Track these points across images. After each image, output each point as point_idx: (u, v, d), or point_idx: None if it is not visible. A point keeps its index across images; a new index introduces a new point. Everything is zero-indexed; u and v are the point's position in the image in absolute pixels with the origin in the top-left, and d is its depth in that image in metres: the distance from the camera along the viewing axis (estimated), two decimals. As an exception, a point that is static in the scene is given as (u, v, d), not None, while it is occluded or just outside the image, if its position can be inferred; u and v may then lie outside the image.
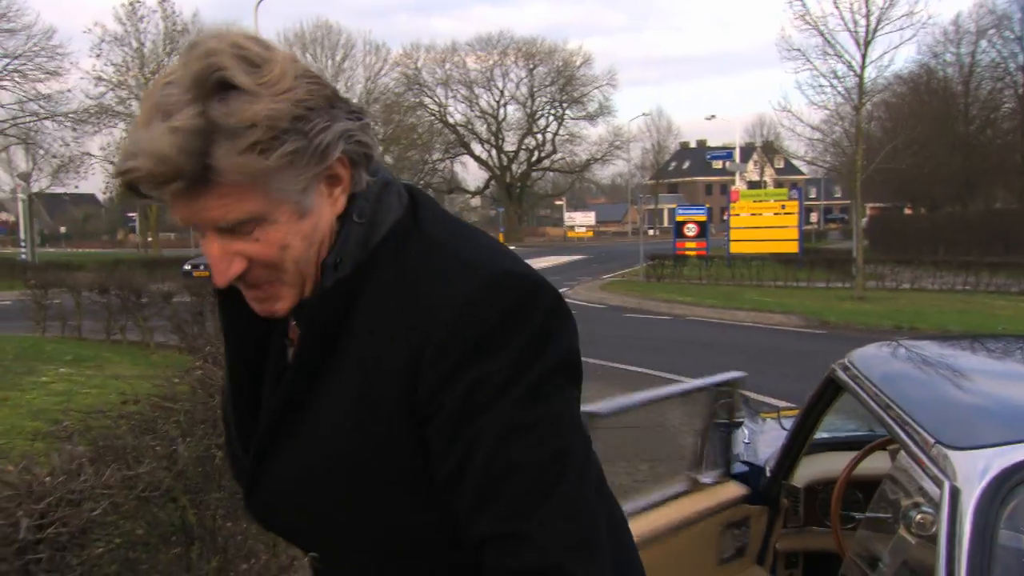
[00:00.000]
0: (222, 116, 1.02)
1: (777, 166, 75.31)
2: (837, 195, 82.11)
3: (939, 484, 1.73)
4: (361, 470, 1.19)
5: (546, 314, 1.15)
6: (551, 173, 68.04)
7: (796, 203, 30.49)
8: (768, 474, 3.05)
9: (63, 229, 68.11)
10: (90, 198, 74.36)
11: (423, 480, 1.16)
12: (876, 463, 2.46)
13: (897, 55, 76.06)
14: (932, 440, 1.88)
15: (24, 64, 38.25)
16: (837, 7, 24.71)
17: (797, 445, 2.96)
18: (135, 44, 43.38)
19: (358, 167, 1.17)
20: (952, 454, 1.78)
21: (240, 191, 1.07)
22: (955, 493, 1.67)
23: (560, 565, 1.07)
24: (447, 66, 62.19)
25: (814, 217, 72.18)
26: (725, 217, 34.79)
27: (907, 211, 48.08)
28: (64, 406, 6.60)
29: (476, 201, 76.89)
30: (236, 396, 1.34)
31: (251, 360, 1.32)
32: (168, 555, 3.45)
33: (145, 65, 43.43)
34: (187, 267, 27.08)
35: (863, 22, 24.10)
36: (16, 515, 2.40)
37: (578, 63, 62.38)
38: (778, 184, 55.30)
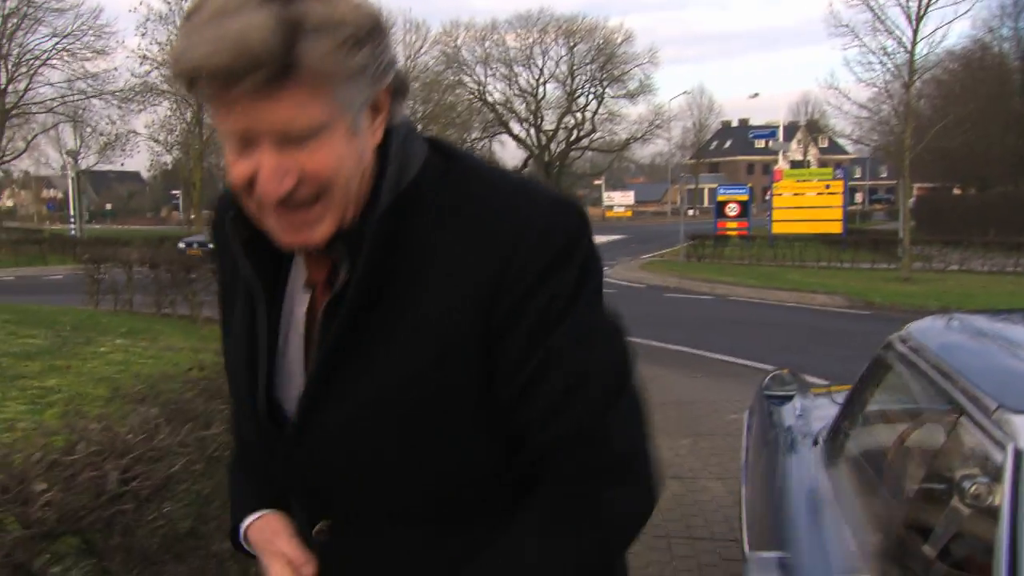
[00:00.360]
0: (311, 10, 1.02)
1: (821, 145, 74.73)
2: (883, 175, 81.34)
3: (1003, 447, 1.79)
4: (429, 403, 1.21)
5: (591, 234, 1.21)
6: (590, 152, 67.94)
7: (841, 183, 30.26)
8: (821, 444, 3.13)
9: (108, 206, 69.48)
10: (135, 176, 75.71)
11: (475, 410, 1.21)
12: (928, 436, 2.51)
13: (950, 30, 75.01)
14: (995, 405, 1.93)
15: (72, 43, 39.26)
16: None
17: (851, 416, 3.03)
18: (179, 22, 43.90)
19: (397, 100, 1.20)
20: (1016, 417, 1.84)
21: (310, 94, 1.06)
22: (1019, 454, 1.73)
23: (631, 456, 1.19)
24: (486, 44, 62.26)
25: (859, 197, 71.58)
26: (767, 197, 34.59)
27: (956, 191, 47.50)
28: (126, 373, 6.84)
29: (515, 180, 76.88)
30: (250, 351, 1.31)
31: (271, 311, 1.30)
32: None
33: (189, 40, 44.14)
34: (181, 245, 27.46)
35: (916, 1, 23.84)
36: (105, 468, 2.56)
37: (619, 41, 62.09)
38: (822, 164, 54.95)
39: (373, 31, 1.09)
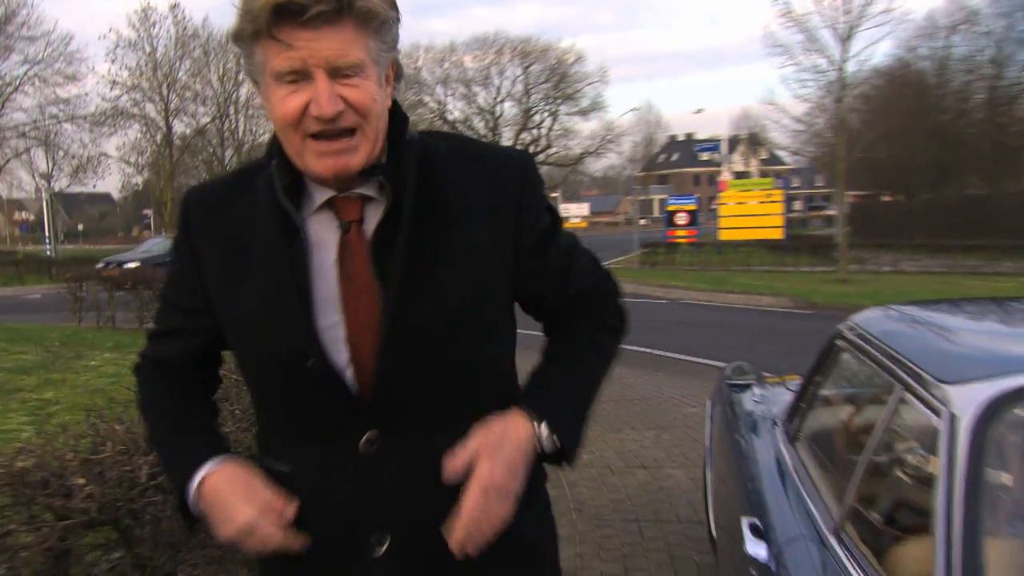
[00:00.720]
0: None
1: (762, 157, 75.48)
2: (819, 184, 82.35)
3: (939, 414, 1.91)
4: (492, 298, 1.47)
5: None
6: (546, 167, 67.80)
7: (781, 192, 30.61)
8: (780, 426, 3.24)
9: (80, 226, 68.56)
10: (105, 197, 74.61)
11: (506, 309, 1.52)
12: (875, 409, 2.60)
13: (875, 50, 76.41)
14: (933, 379, 2.05)
15: (44, 69, 38.69)
16: (819, 5, 24.97)
17: (806, 400, 3.14)
18: (148, 48, 43.09)
19: (398, 79, 1.44)
20: (950, 388, 1.95)
21: (356, 36, 1.27)
22: (953, 419, 1.84)
23: (615, 291, 1.70)
24: (445, 65, 62.12)
25: (798, 205, 72.35)
26: (713, 206, 34.87)
27: (886, 198, 48.28)
28: (119, 384, 6.83)
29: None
30: (298, 290, 1.38)
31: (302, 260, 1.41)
32: None
33: (158, 68, 43.32)
34: (100, 265, 26.50)
35: (843, 19, 24.24)
36: (138, 463, 2.63)
37: (571, 61, 62.15)
38: (763, 174, 55.52)
39: (393, 11, 1.34)
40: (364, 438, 1.40)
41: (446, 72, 62.23)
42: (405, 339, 1.37)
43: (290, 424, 1.48)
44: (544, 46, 62.68)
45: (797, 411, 3.16)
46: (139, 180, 49.63)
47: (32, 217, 60.36)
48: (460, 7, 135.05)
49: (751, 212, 29.82)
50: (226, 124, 47.16)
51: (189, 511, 1.47)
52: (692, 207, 32.57)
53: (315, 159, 1.31)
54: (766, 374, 4.52)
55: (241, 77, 46.89)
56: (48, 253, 38.28)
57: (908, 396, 2.18)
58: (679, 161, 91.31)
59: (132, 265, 25.37)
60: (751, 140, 71.11)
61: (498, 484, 1.38)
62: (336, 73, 1.27)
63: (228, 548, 3.44)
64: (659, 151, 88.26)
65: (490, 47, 62.30)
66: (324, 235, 1.40)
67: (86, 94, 42.35)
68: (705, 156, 64.11)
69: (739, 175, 56.72)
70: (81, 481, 2.47)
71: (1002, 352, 2.37)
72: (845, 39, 24.42)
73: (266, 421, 1.56)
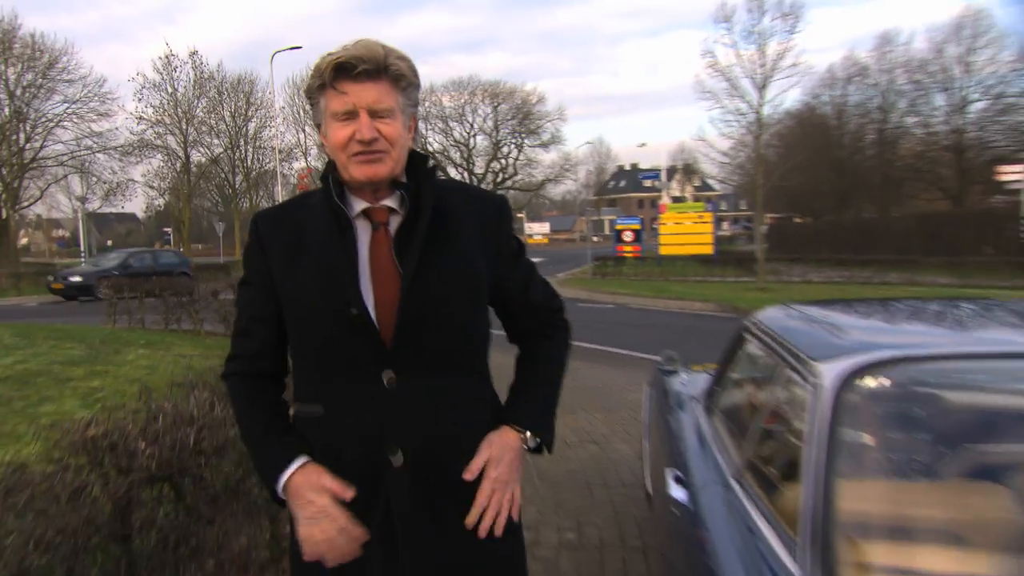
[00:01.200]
0: (396, 52, 1.57)
1: (695, 184, 75.73)
2: (743, 207, 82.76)
3: (809, 385, 2.03)
4: (477, 286, 1.66)
5: None
6: (513, 191, 67.76)
7: (711, 214, 30.54)
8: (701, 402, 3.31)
9: (109, 242, 67.19)
10: (131, 216, 73.17)
11: (485, 296, 1.70)
12: (769, 382, 2.66)
13: (786, 96, 77.40)
14: (807, 358, 2.16)
15: (80, 107, 38.35)
16: (739, 58, 25.33)
17: (719, 382, 3.23)
18: (170, 89, 42.67)
19: (416, 130, 1.70)
20: (818, 364, 2.05)
21: (390, 90, 1.55)
22: (817, 388, 1.96)
23: (560, 304, 1.90)
24: (426, 104, 61.70)
25: (725, 226, 72.85)
26: (655, 226, 34.89)
27: (797, 220, 48.59)
28: (154, 375, 6.88)
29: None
30: (349, 267, 1.58)
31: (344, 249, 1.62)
32: None
33: (179, 106, 43.00)
34: (49, 278, 26.54)
35: (759, 71, 24.52)
36: (187, 432, 2.73)
37: (534, 101, 62.18)
38: (696, 199, 55.54)
39: (415, 79, 1.62)
40: (384, 377, 1.57)
41: (427, 110, 61.85)
42: (414, 308, 1.56)
43: (327, 366, 1.62)
44: (511, 88, 62.70)
45: (712, 390, 3.24)
46: (161, 202, 48.96)
47: (68, 234, 59.38)
48: (439, 54, 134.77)
49: (686, 231, 29.77)
50: (236, 154, 46.58)
51: (277, 496, 1.62)
52: (637, 227, 32.43)
53: (356, 168, 1.55)
54: (693, 364, 4.65)
55: (250, 113, 46.54)
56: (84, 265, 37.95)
57: (790, 373, 2.27)
58: (626, 187, 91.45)
59: (76, 279, 25.05)
60: (686, 170, 71.47)
61: (503, 480, 1.64)
62: (374, 114, 1.54)
63: (257, 501, 3.54)
64: (609, 178, 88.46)
65: (465, 89, 62.20)
66: (360, 233, 1.61)
67: (116, 128, 41.71)
68: (648, 183, 64.01)
69: (676, 199, 56.84)
70: (142, 445, 2.54)
71: (863, 338, 2.45)
72: (761, 87, 24.67)
73: (304, 369, 1.68)
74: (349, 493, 1.56)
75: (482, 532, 1.60)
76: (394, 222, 1.61)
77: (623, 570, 3.92)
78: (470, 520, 1.59)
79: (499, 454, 1.64)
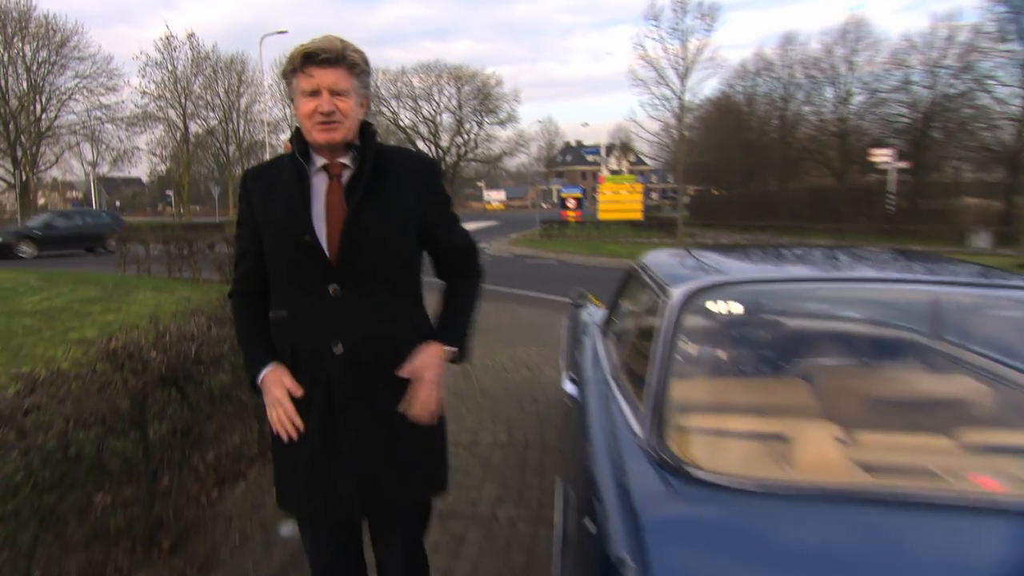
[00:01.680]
0: (352, 46, 1.72)
1: (630, 159, 75.76)
2: (669, 180, 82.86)
3: (662, 303, 2.17)
4: (406, 223, 1.81)
5: None
6: (474, 163, 67.17)
7: (641, 186, 30.77)
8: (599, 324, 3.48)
9: (117, 203, 65.13)
10: (137, 180, 70.66)
11: (416, 233, 1.84)
12: (643, 305, 2.70)
13: (705, 85, 77.49)
14: (666, 284, 2.26)
15: (90, 82, 37.29)
16: (666, 52, 25.46)
17: (613, 306, 3.33)
18: (170, 67, 41.43)
19: (368, 109, 1.83)
20: (670, 288, 2.17)
21: (346, 74, 1.71)
22: (667, 303, 2.11)
23: (476, 247, 1.99)
24: (398, 84, 60.53)
25: (654, 195, 73.19)
26: (595, 194, 35.07)
27: (714, 191, 49.13)
28: (161, 310, 6.94)
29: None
30: (304, 210, 1.73)
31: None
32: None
33: (178, 83, 41.90)
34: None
35: (682, 63, 24.84)
36: (189, 346, 2.89)
37: (493, 84, 61.35)
38: (631, 172, 55.75)
39: (367, 67, 1.77)
40: (331, 288, 1.74)
41: (399, 89, 60.76)
42: (354, 236, 1.73)
43: (290, 282, 1.78)
44: (473, 72, 61.63)
45: (607, 317, 3.36)
46: (163, 168, 47.83)
47: (80, 195, 57.34)
48: (410, 40, 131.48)
49: (620, 200, 29.83)
50: (230, 126, 45.57)
51: (255, 387, 1.82)
52: (579, 195, 32.31)
53: (318, 133, 1.72)
54: (596, 299, 4.79)
55: (241, 90, 45.38)
56: (95, 222, 37.21)
57: (655, 296, 2.37)
58: (571, 161, 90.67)
59: None
60: (622, 147, 71.38)
61: (433, 380, 1.83)
62: (333, 93, 1.70)
63: (248, 403, 3.73)
64: (557, 153, 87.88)
65: (432, 71, 61.06)
66: (319, 183, 1.77)
67: (122, 101, 40.91)
68: (590, 158, 64.10)
69: (613, 172, 56.67)
70: (153, 354, 2.69)
71: (710, 269, 2.49)
72: (683, 77, 25.02)
73: (275, 285, 1.82)
74: (299, 391, 1.76)
75: (412, 415, 1.81)
76: (346, 175, 1.78)
77: (541, 462, 4.18)
78: (403, 406, 1.80)
79: (431, 361, 1.82)
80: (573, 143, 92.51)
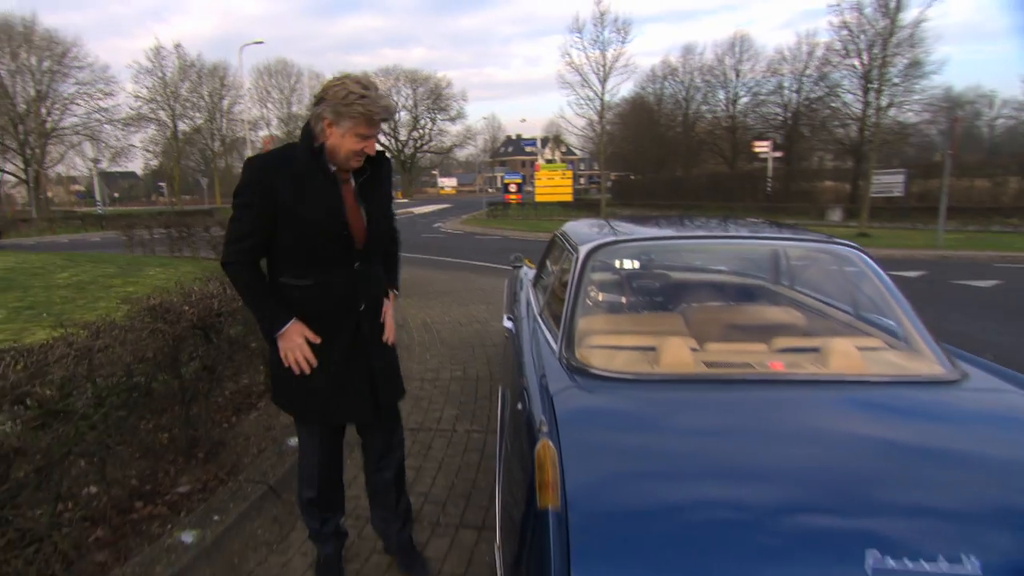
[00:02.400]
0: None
1: (562, 150, 75.74)
2: (595, 168, 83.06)
3: (574, 257, 2.36)
4: (388, 212, 2.05)
5: None
6: (429, 154, 66.31)
7: (571, 172, 30.82)
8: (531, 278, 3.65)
9: (116, 194, 62.04)
10: (132, 174, 67.16)
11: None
12: (561, 263, 2.76)
13: (622, 87, 77.89)
14: (577, 244, 2.44)
15: (89, 88, 36.10)
16: (588, 59, 25.63)
17: (540, 265, 3.50)
18: (160, 74, 40.00)
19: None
20: (579, 246, 2.37)
21: (379, 131, 1.89)
22: (576, 257, 2.33)
23: (397, 231, 2.17)
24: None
25: (582, 181, 73.51)
26: (533, 180, 35.12)
27: (633, 177, 49.74)
28: (171, 282, 6.93)
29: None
30: (338, 206, 1.88)
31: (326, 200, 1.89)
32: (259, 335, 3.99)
33: (167, 87, 40.67)
34: None
35: (602, 69, 25.05)
36: (212, 302, 3.09)
37: (444, 85, 60.60)
38: (562, 161, 55.88)
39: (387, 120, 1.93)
40: (356, 265, 1.96)
41: (363, 92, 59.40)
42: (372, 230, 1.98)
43: (319, 260, 1.91)
44: (427, 75, 60.88)
45: (537, 273, 3.52)
46: (155, 163, 45.91)
47: (83, 188, 54.39)
48: (372, 47, 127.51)
49: (554, 184, 29.79)
50: (214, 124, 43.96)
51: (272, 338, 1.93)
52: (519, 181, 32.21)
53: (355, 160, 1.89)
54: (528, 261, 4.79)
55: (223, 93, 43.82)
56: (100, 211, 35.44)
57: (568, 254, 2.56)
58: (512, 152, 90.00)
59: None
60: (555, 140, 71.30)
61: (391, 316, 2.12)
62: (370, 138, 1.89)
63: (256, 349, 3.89)
64: (500, 145, 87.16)
65: (391, 75, 59.75)
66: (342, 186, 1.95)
67: (118, 105, 39.36)
68: (528, 149, 64.19)
69: (548, 161, 56.83)
70: (186, 308, 2.88)
71: (609, 232, 2.60)
72: (603, 81, 25.27)
73: (295, 259, 1.90)
74: (318, 339, 1.93)
75: (389, 342, 2.12)
76: (352, 180, 1.96)
77: (489, 390, 4.49)
78: (388, 337, 2.11)
79: (390, 304, 2.15)
80: (514, 136, 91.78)
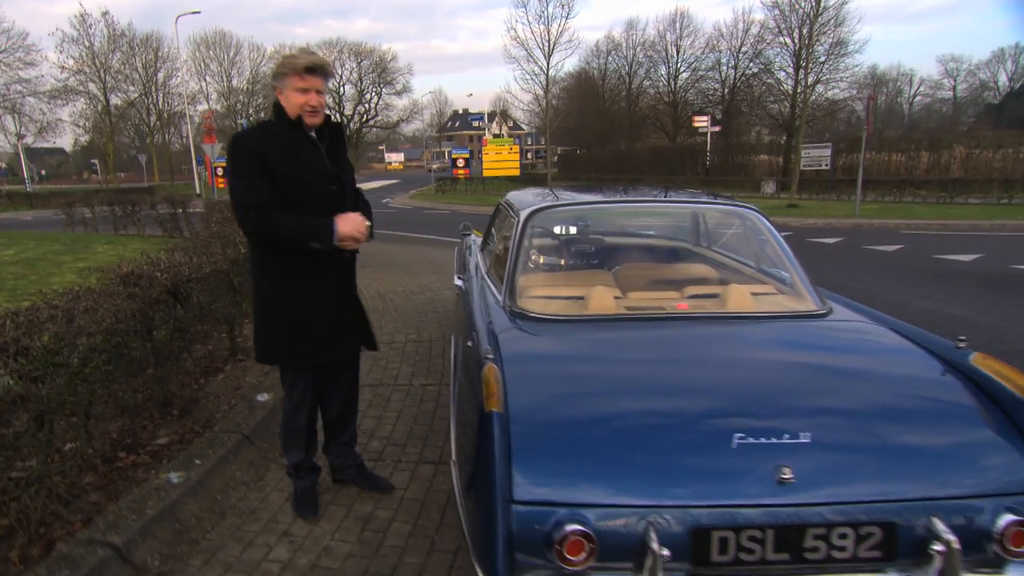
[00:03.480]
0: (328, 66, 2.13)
1: (510, 125, 75.44)
2: (542, 142, 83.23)
3: (515, 222, 2.62)
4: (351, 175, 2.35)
5: None
6: (375, 129, 64.87)
7: (518, 147, 30.97)
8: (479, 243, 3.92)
9: (43, 172, 58.15)
10: (60, 150, 63.25)
11: None
12: (504, 227, 2.95)
13: (567, 62, 78.05)
14: (518, 209, 2.70)
15: (7, 57, 32.90)
16: (533, 34, 25.69)
17: (487, 232, 3.71)
18: (87, 43, 37.12)
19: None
20: (520, 211, 2.64)
21: (325, 80, 2.13)
22: (517, 220, 2.62)
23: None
24: (304, 60, 57.36)
25: (529, 155, 73.55)
26: (480, 155, 35.09)
27: (579, 151, 50.14)
28: (121, 259, 6.88)
29: (330, 148, 72.39)
30: (322, 166, 2.15)
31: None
32: (224, 300, 4.02)
33: (96, 58, 37.57)
34: None
35: (546, 44, 25.20)
36: (180, 271, 3.27)
37: (389, 59, 58.96)
38: (510, 135, 55.78)
39: (333, 74, 2.19)
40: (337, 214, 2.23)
41: (305, 65, 57.46)
42: (344, 177, 2.26)
43: (309, 212, 2.16)
44: (371, 48, 58.92)
45: (484, 239, 3.75)
46: (86, 138, 43.19)
47: (4, 165, 50.80)
48: (315, 18, 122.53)
49: (502, 159, 29.77)
50: (150, 99, 41.69)
51: (332, 241, 2.15)
52: (467, 155, 31.98)
53: (308, 118, 2.15)
54: (477, 230, 4.94)
55: (159, 65, 41.51)
56: (28, 190, 33.28)
57: (511, 219, 2.82)
58: (460, 126, 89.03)
59: None
60: (502, 114, 71.04)
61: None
62: (318, 92, 2.14)
63: (220, 317, 4.05)
64: (447, 120, 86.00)
65: (335, 47, 57.78)
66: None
67: (42, 75, 36.42)
68: (476, 124, 63.77)
69: (496, 136, 56.63)
70: (158, 274, 3.08)
71: (547, 199, 2.85)
72: (548, 55, 25.44)
73: (294, 211, 2.14)
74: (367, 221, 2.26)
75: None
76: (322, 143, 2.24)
77: (441, 351, 4.80)
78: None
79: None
80: (461, 111, 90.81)
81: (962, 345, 1.95)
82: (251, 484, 2.87)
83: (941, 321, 5.61)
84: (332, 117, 2.28)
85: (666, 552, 1.45)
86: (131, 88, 40.39)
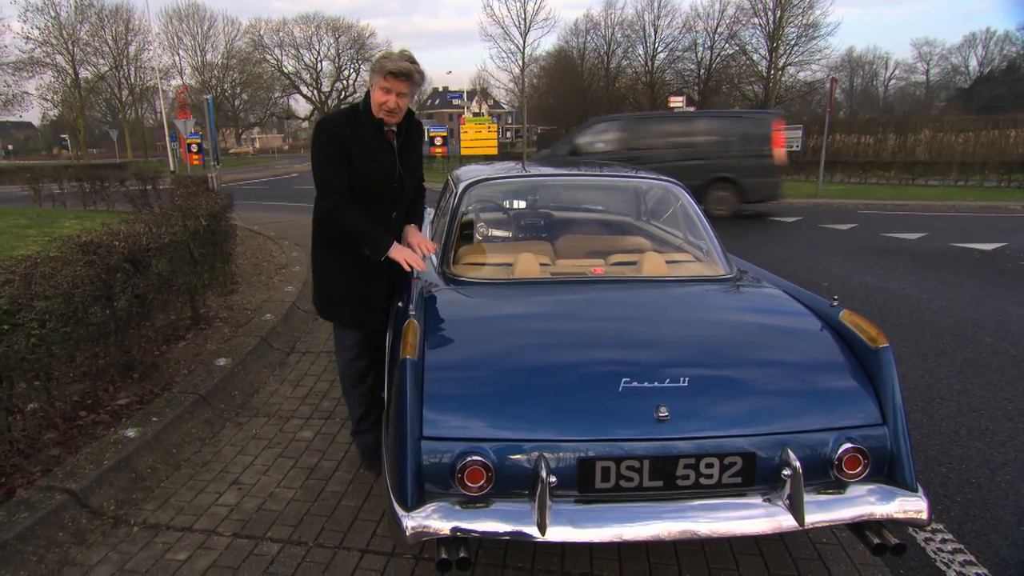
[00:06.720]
0: (417, 68, 2.22)
1: (489, 103, 74.86)
2: (519, 120, 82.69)
3: (455, 192, 2.82)
4: (420, 169, 2.51)
5: None
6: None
7: (496, 125, 30.47)
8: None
9: (10, 147, 56.47)
10: (28, 124, 61.42)
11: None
12: (447, 199, 2.99)
13: (544, 41, 77.24)
14: (460, 180, 2.87)
15: (-33, 27, 31.41)
16: (509, 12, 25.47)
17: (437, 204, 3.65)
18: (53, 14, 35.74)
19: (411, 100, 2.34)
20: (459, 183, 2.81)
21: (408, 85, 2.23)
22: (456, 191, 2.80)
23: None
24: (280, 33, 55.80)
25: (508, 134, 73.26)
26: (459, 133, 34.85)
27: (558, 130, 49.83)
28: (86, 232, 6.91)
29: (305, 124, 71.50)
30: (390, 159, 2.31)
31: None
32: (185, 270, 4.16)
33: (63, 28, 36.13)
34: None
35: (523, 22, 25.05)
36: (139, 241, 3.38)
37: (368, 34, 58.29)
38: (489, 114, 55.36)
39: (421, 80, 2.27)
40: (393, 215, 2.44)
41: (281, 38, 56.11)
42: (406, 177, 2.42)
43: (374, 201, 2.36)
44: (350, 23, 58.34)
45: (434, 213, 3.80)
46: (55, 113, 41.80)
47: (-32, 140, 49.24)
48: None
49: (480, 137, 29.28)
50: (121, 73, 40.52)
51: (384, 253, 2.32)
52: (445, 134, 31.58)
53: (385, 116, 2.27)
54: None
55: (129, 38, 40.26)
56: (-4, 164, 32.29)
57: (452, 192, 2.95)
58: (439, 104, 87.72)
59: None
60: (482, 93, 70.44)
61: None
62: (400, 95, 2.25)
63: (180, 288, 4.15)
64: (427, 97, 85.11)
65: (312, 22, 56.87)
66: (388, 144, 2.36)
67: (6, 47, 34.89)
68: (455, 102, 63.06)
69: (475, 114, 56.30)
70: (116, 243, 3.19)
71: (486, 172, 3.05)
72: (524, 34, 25.35)
73: (360, 202, 2.33)
74: (432, 246, 2.43)
75: (429, 252, 2.48)
76: (395, 140, 2.38)
77: None
78: (427, 248, 2.47)
79: (416, 230, 2.55)
80: (440, 88, 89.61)
81: (835, 304, 2.18)
82: (206, 440, 3.04)
83: (874, 293, 5.92)
84: (415, 115, 2.42)
85: (553, 479, 1.66)
86: (101, 61, 39.10)
